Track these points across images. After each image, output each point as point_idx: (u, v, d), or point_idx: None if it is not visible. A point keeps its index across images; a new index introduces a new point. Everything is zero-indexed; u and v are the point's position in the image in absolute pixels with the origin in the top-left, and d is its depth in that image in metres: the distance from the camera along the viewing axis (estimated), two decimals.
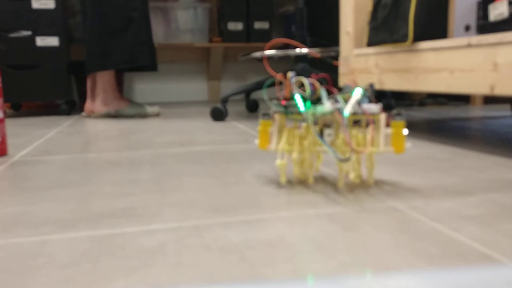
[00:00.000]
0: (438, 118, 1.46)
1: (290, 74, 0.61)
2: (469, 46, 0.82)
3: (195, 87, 2.82)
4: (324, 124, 0.59)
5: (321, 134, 0.59)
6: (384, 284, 0.32)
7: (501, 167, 0.70)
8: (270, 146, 0.61)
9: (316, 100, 0.60)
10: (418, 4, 0.96)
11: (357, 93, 0.58)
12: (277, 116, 0.62)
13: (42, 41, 1.85)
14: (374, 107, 0.58)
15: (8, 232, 0.46)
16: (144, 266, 0.37)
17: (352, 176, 0.59)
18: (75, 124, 1.52)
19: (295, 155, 0.59)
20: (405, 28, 0.98)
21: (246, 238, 0.42)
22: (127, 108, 1.73)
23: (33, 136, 1.23)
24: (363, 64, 1.17)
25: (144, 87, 2.74)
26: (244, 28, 2.57)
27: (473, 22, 0.94)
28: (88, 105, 1.76)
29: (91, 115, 1.75)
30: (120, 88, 2.33)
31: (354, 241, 0.41)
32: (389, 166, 0.73)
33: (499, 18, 0.83)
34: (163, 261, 0.38)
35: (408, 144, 0.59)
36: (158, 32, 2.49)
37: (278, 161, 0.59)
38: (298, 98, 0.59)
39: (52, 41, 1.86)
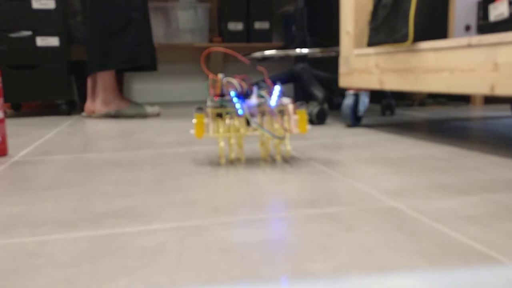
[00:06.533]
0: (438, 118, 1.46)
1: (220, 75, 0.76)
2: (469, 46, 0.82)
3: (195, 87, 2.82)
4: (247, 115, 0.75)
5: (247, 123, 0.76)
6: (384, 284, 0.32)
7: (501, 167, 0.70)
8: (207, 134, 0.75)
9: (244, 96, 0.76)
10: (418, 4, 0.96)
11: (276, 90, 0.76)
12: (209, 110, 0.76)
13: (42, 41, 1.85)
14: (286, 100, 0.77)
15: (8, 232, 0.46)
16: (144, 266, 0.37)
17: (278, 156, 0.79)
18: (75, 124, 1.52)
19: (233, 141, 0.77)
20: (405, 28, 0.98)
21: (246, 238, 0.42)
22: (127, 108, 1.73)
23: (33, 136, 1.23)
24: (363, 64, 1.17)
25: (144, 87, 2.74)
26: (244, 28, 2.56)
27: (473, 22, 0.94)
28: (88, 105, 1.76)
29: (92, 115, 1.75)
30: (121, 88, 2.33)
31: (354, 241, 0.41)
32: (389, 166, 0.73)
33: (499, 18, 0.83)
34: (163, 261, 0.38)
35: (309, 127, 0.78)
36: (158, 32, 2.49)
37: (221, 144, 0.75)
38: (234, 96, 0.75)
39: (52, 41, 1.86)
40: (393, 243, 0.40)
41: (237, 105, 0.75)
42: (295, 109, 0.78)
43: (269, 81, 0.81)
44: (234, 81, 0.76)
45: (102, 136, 1.20)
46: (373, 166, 0.73)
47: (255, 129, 0.76)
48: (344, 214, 0.49)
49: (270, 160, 0.80)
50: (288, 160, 0.79)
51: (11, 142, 1.11)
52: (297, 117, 0.77)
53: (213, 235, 0.43)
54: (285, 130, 0.75)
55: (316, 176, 0.67)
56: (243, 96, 0.76)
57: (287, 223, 0.46)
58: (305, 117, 0.77)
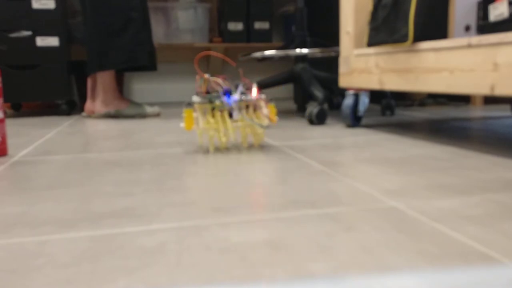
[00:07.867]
0: (438, 118, 1.46)
1: (206, 75, 0.89)
2: (469, 46, 0.82)
3: (195, 87, 2.82)
4: (228, 110, 0.90)
5: (230, 116, 0.89)
6: (384, 284, 0.32)
7: (501, 167, 0.70)
8: (196, 126, 0.87)
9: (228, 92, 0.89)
10: (418, 4, 0.96)
11: (255, 87, 0.91)
12: (197, 106, 0.88)
13: (42, 41, 1.85)
14: (262, 96, 0.91)
15: (8, 232, 0.46)
16: (144, 266, 0.37)
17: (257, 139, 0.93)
18: (75, 124, 1.52)
19: (230, 130, 0.88)
20: (405, 28, 0.98)
21: (246, 238, 0.42)
22: (127, 108, 1.73)
23: (33, 136, 1.23)
24: (363, 64, 1.17)
25: (144, 87, 2.74)
26: (244, 28, 2.56)
27: (473, 22, 0.94)
28: (88, 105, 1.76)
29: (91, 115, 1.75)
30: (121, 88, 2.33)
31: (354, 241, 0.41)
32: (389, 166, 0.73)
33: (499, 18, 0.83)
34: (163, 261, 0.38)
35: (276, 118, 0.93)
36: (158, 32, 2.49)
37: (211, 133, 0.87)
38: (222, 93, 0.88)
39: (52, 41, 1.86)
40: (393, 243, 0.40)
41: (223, 100, 0.87)
42: (266, 103, 0.93)
43: (246, 80, 0.94)
44: (219, 80, 0.88)
45: (102, 136, 1.20)
46: (373, 166, 0.73)
47: (236, 121, 0.89)
48: (344, 214, 0.49)
49: (248, 147, 0.93)
50: (288, 159, 0.79)
51: (11, 142, 1.11)
52: (268, 110, 0.92)
53: (213, 235, 0.43)
54: (269, 119, 0.90)
55: (316, 176, 0.67)
56: (228, 92, 0.89)
57: (287, 223, 0.46)
58: (274, 110, 0.94)
